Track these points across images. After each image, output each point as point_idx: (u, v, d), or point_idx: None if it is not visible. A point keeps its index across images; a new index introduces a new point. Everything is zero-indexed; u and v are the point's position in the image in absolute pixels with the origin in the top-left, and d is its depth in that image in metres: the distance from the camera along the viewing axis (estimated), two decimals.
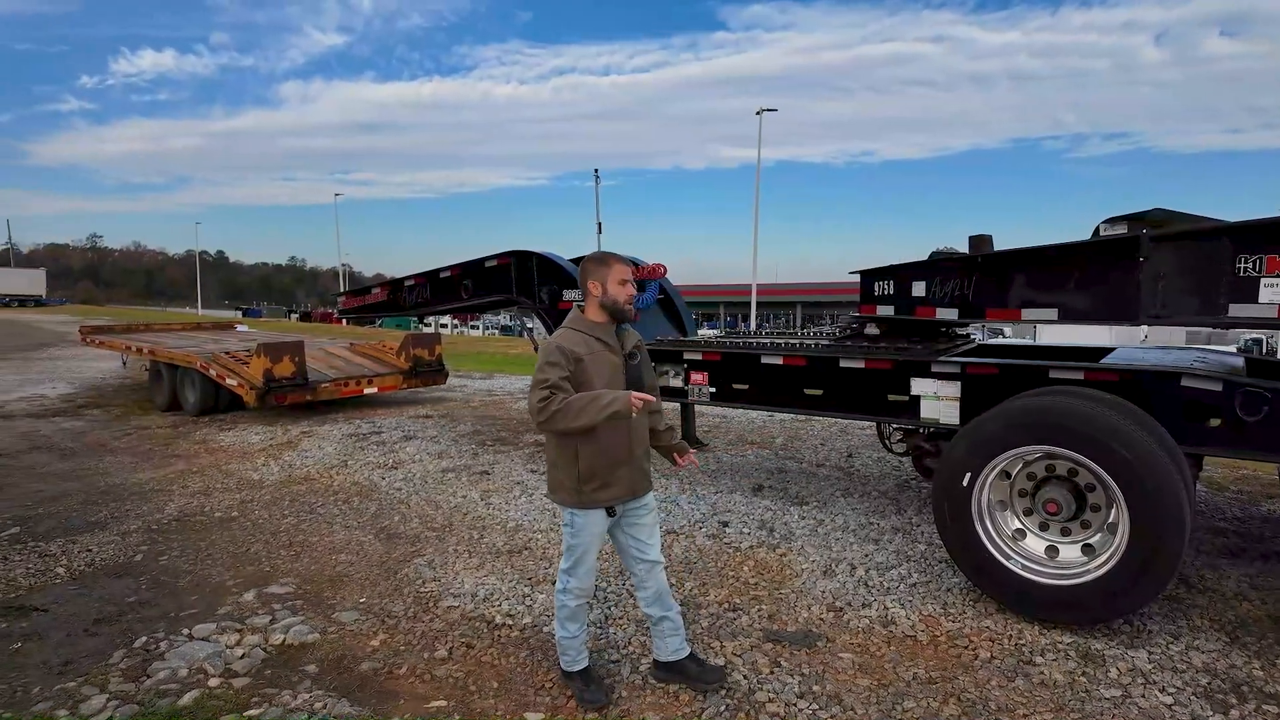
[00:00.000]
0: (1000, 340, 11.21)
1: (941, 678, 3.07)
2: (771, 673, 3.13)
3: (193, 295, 71.00)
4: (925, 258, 4.76)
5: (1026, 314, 4.05)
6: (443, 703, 2.99)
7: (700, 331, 8.60)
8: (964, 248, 4.91)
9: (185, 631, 3.57)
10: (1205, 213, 3.90)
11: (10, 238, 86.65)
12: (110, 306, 61.51)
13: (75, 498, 5.86)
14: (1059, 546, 3.56)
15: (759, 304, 34.45)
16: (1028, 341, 11.22)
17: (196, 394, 9.36)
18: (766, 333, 7.14)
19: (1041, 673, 3.08)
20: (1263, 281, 3.32)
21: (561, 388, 2.61)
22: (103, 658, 3.34)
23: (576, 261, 6.72)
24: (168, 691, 3.06)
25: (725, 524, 4.92)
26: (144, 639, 3.50)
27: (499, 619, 3.68)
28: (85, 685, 3.10)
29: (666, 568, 4.22)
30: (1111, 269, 3.75)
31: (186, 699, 3.00)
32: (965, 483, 3.62)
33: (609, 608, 3.77)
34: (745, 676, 3.10)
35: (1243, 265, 3.37)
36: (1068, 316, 3.94)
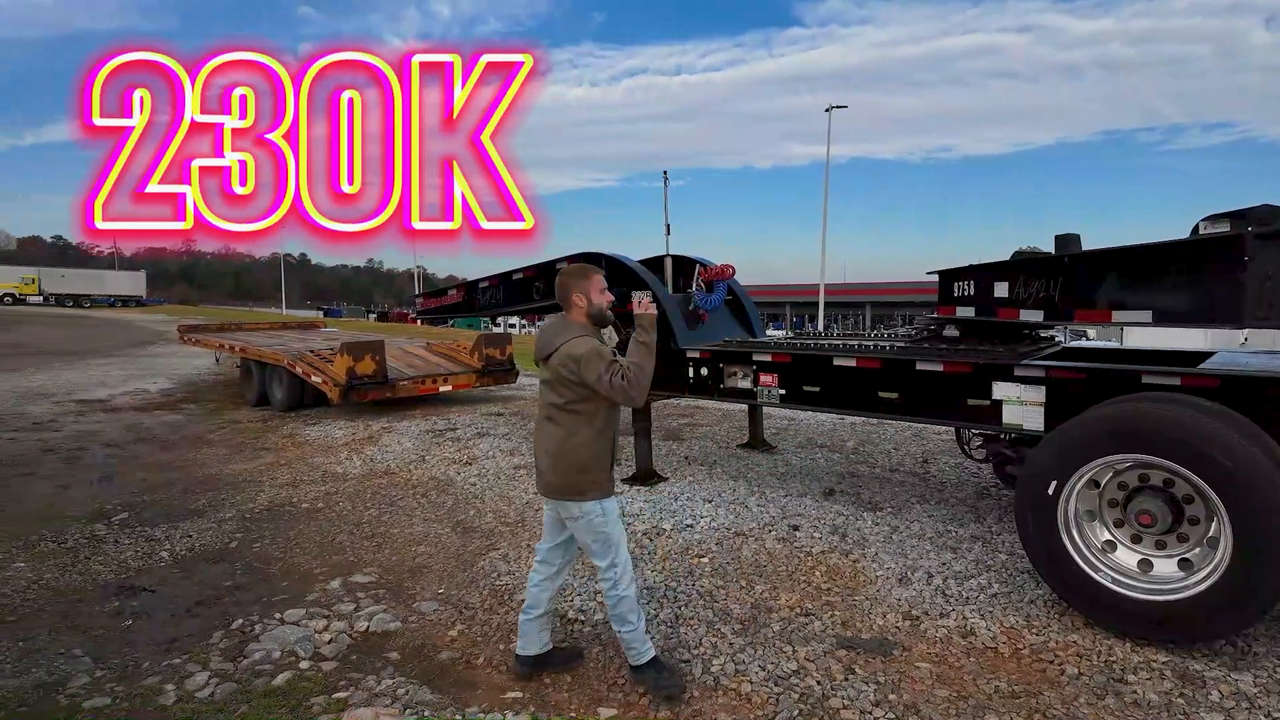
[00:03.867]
0: (1084, 343, 10.73)
1: (1025, 692, 2.97)
2: (845, 679, 3.09)
3: (277, 296, 74.45)
4: (1007, 258, 4.61)
5: (1118, 316, 3.87)
6: (518, 694, 3.07)
7: (766, 332, 8.52)
8: (1048, 247, 4.73)
9: (277, 616, 3.77)
10: None
11: (115, 242, 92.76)
12: (203, 306, 65.08)
13: (176, 487, 6.24)
14: (1153, 560, 3.39)
15: (826, 304, 33.87)
16: (1113, 344, 10.70)
17: (284, 390, 9.83)
18: (835, 334, 7.03)
19: (1134, 692, 2.94)
20: None
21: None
22: (204, 637, 3.56)
23: (645, 263, 6.76)
24: (262, 672, 3.24)
25: (795, 528, 4.87)
26: (240, 621, 3.71)
27: (571, 614, 3.75)
28: (189, 662, 3.31)
29: (735, 570, 4.24)
30: (1213, 269, 3.55)
31: (280, 680, 3.17)
32: (1050, 491, 3.49)
33: (679, 607, 3.79)
34: (819, 682, 3.07)
35: None
36: (1164, 319, 3.74)
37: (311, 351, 9.72)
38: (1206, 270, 3.58)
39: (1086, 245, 4.28)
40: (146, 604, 3.94)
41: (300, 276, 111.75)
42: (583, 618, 3.71)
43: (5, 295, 47.33)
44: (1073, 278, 3.98)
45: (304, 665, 3.30)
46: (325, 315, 50.49)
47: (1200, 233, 3.77)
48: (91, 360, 16.95)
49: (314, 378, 9.08)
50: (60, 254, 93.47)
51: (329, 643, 3.51)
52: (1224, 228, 3.67)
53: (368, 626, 3.66)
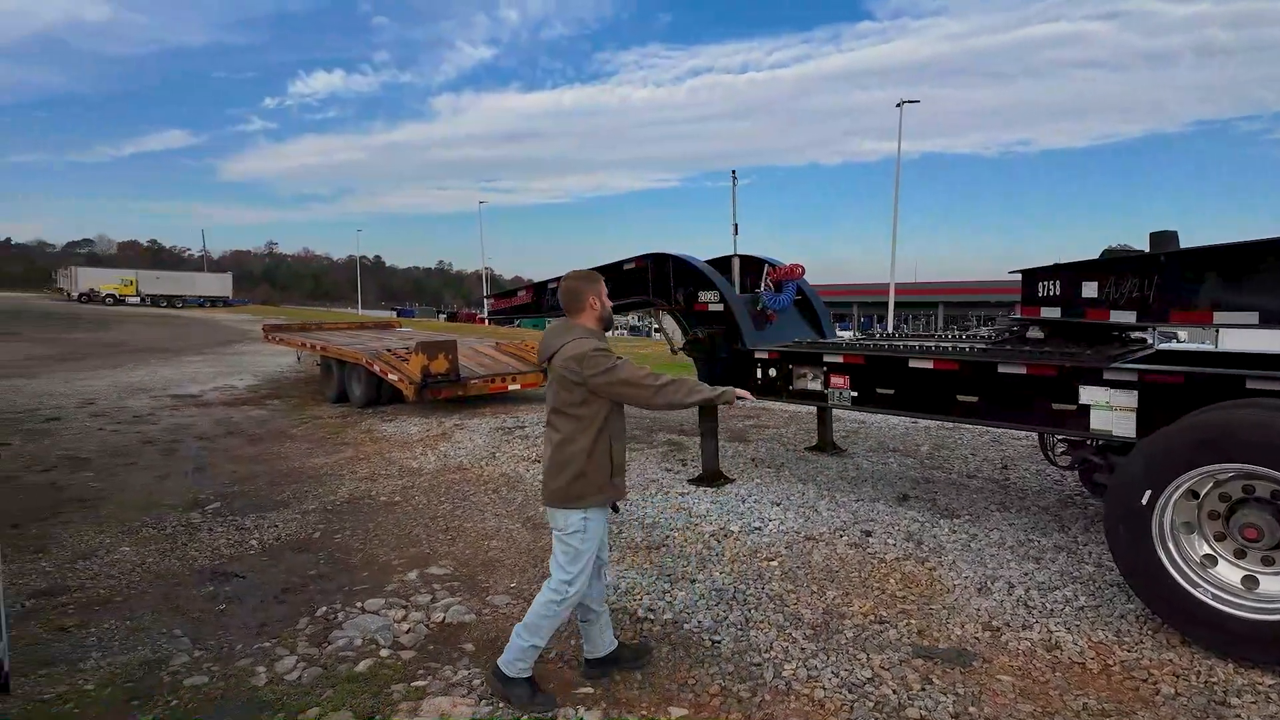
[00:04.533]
0: (1175, 346, 10.14)
1: (1116, 711, 2.84)
2: (923, 689, 3.01)
3: (353, 296, 77.27)
4: (1094, 257, 4.40)
5: (1219, 318, 3.65)
6: (590, 690, 3.10)
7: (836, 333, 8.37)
8: (1138, 245, 4.50)
9: (359, 605, 3.91)
10: None
11: (204, 246, 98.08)
12: (284, 306, 68.12)
13: (263, 479, 6.55)
14: (1259, 577, 3.18)
15: (896, 304, 33.03)
16: (1209, 347, 10.07)
17: (362, 388, 10.20)
18: (905, 335, 6.84)
19: (1238, 716, 2.77)
20: None
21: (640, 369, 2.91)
22: (291, 623, 3.72)
23: (712, 263, 6.74)
24: (345, 658, 3.36)
25: (868, 533, 4.77)
26: (324, 609, 3.87)
27: (641, 612, 3.76)
28: (278, 646, 3.47)
29: (806, 575, 4.18)
30: None
31: (362, 666, 3.29)
32: (1145, 501, 3.32)
33: (749, 610, 3.76)
34: (894, 691, 3.00)
35: None
36: (1271, 320, 3.51)
37: (388, 350, 10.06)
38: None
39: (1186, 243, 4.05)
40: (238, 589, 4.14)
41: (375, 278, 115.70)
42: (652, 616, 3.72)
43: (108, 296, 50.54)
44: (1170, 277, 3.77)
45: (384, 653, 3.41)
46: (398, 315, 52.15)
47: None
48: (183, 357, 17.95)
49: (390, 376, 9.39)
50: (154, 257, 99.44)
51: (407, 632, 3.62)
52: None
53: (443, 618, 3.76)
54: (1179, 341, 16.24)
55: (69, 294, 51.64)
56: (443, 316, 69.44)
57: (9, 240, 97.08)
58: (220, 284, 61.07)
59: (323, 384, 11.60)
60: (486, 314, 10.53)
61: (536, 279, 9.21)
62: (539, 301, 8.89)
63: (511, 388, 10.01)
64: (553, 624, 2.98)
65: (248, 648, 3.45)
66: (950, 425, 7.87)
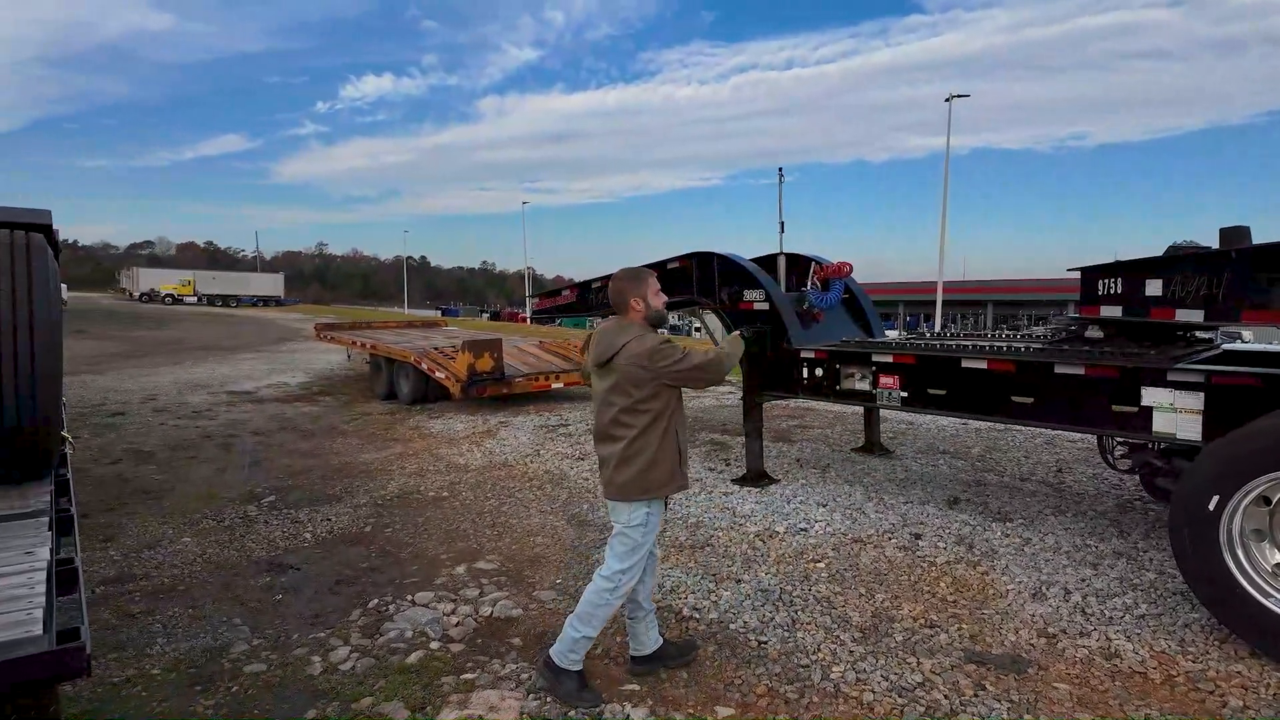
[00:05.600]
0: (1239, 346, 9.72)
1: None
2: (975, 695, 2.95)
3: (400, 296, 78.83)
4: (1158, 254, 4.25)
5: None
6: (636, 687, 3.10)
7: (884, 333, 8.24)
8: (1206, 241, 4.33)
9: (409, 598, 3.98)
10: None
11: (257, 247, 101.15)
12: (334, 306, 69.78)
13: (316, 473, 6.72)
14: None
15: (944, 303, 32.35)
16: (1276, 348, 9.63)
17: (410, 385, 10.40)
18: (954, 334, 6.70)
19: None
20: None
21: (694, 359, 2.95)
22: (344, 614, 3.81)
23: (758, 261, 6.69)
24: (397, 650, 3.43)
25: (918, 536, 4.69)
26: (375, 601, 3.95)
27: (686, 611, 3.76)
28: (332, 637, 3.56)
29: (854, 577, 4.13)
30: None
31: (412, 658, 3.35)
32: (1212, 507, 3.19)
33: (796, 612, 3.73)
34: (946, 696, 2.94)
35: None
36: None
37: (435, 349, 10.23)
38: None
39: (1257, 239, 3.89)
40: (294, 580, 4.26)
41: (421, 278, 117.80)
42: (697, 615, 3.72)
43: (167, 296, 52.47)
44: (1241, 274, 3.61)
45: (434, 646, 3.47)
46: (443, 314, 52.98)
47: None
48: (239, 355, 18.53)
49: (437, 373, 9.55)
50: (211, 258, 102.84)
51: (456, 625, 3.68)
52: None
53: (491, 612, 3.82)
54: (1244, 342, 15.57)
55: (131, 294, 53.80)
56: (486, 315, 70.39)
57: (75, 242, 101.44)
58: (273, 284, 62.89)
59: (372, 381, 11.85)
60: (530, 313, 10.63)
61: (578, 278, 9.28)
62: (584, 300, 8.96)
63: (555, 386, 10.10)
64: (605, 613, 2.99)
65: (303, 637, 3.54)
66: (1001, 427, 7.68)
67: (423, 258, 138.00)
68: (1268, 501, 3.19)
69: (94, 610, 3.75)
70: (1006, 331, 5.99)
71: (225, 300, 55.59)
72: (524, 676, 3.18)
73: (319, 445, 7.94)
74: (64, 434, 3.26)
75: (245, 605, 3.92)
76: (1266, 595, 3.10)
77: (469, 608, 3.86)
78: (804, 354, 5.68)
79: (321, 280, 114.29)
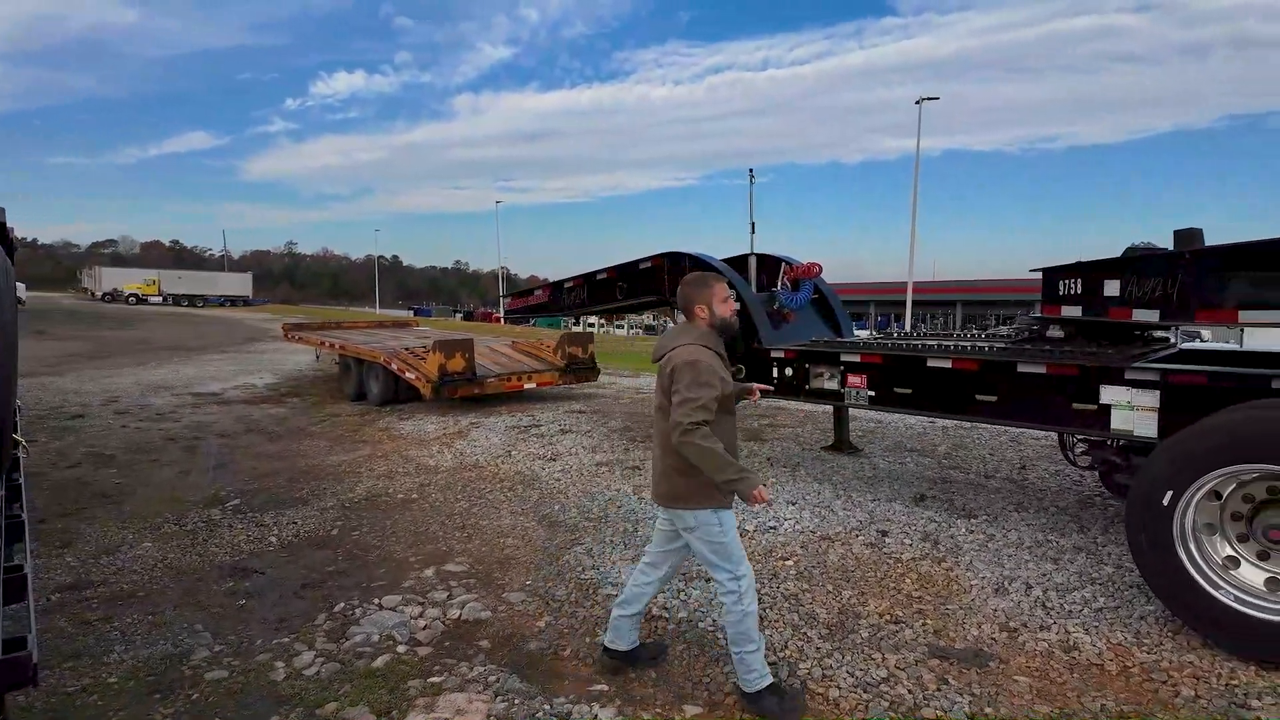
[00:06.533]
0: (1198, 345, 9.98)
1: (1135, 713, 2.81)
2: (939, 690, 3.00)
3: (372, 295, 77.88)
4: (1117, 255, 4.35)
5: (1245, 316, 3.58)
6: (604, 686, 3.11)
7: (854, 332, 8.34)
8: (1162, 242, 4.44)
9: (376, 601, 3.94)
10: None
11: (225, 246, 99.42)
12: (303, 306, 68.73)
13: (282, 476, 6.62)
14: None
15: (914, 303, 32.78)
16: (1233, 346, 9.91)
17: (380, 386, 10.28)
18: (923, 334, 6.80)
19: (1259, 718, 2.74)
20: None
21: (710, 409, 2.74)
22: (309, 618, 3.76)
23: (729, 262, 6.73)
24: (363, 654, 3.40)
25: (885, 533, 4.74)
26: (342, 605, 3.90)
27: (655, 611, 3.77)
28: (297, 641, 3.51)
29: (821, 574, 4.17)
30: None
31: (379, 662, 3.32)
32: (1166, 502, 3.28)
33: (764, 609, 3.75)
34: (910, 691, 2.99)
35: None
36: None
37: (406, 349, 10.13)
38: None
39: (1210, 239, 4.00)
40: (258, 585, 4.19)
41: (392, 277, 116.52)
42: (666, 614, 3.73)
43: (130, 295, 51.27)
44: (1195, 275, 3.71)
45: (401, 649, 3.44)
46: (415, 314, 52.50)
47: None
48: (205, 356, 18.18)
49: (408, 374, 9.46)
50: (177, 257, 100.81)
51: (424, 629, 3.65)
52: None
53: (460, 614, 3.79)
54: (1202, 341, 15.99)
55: (93, 293, 52.48)
56: (459, 315, 69.89)
57: (35, 240, 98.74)
58: (241, 283, 61.78)
59: (341, 382, 11.70)
60: (503, 313, 10.57)
61: (553, 278, 9.26)
62: (556, 300, 8.93)
63: (527, 386, 10.05)
64: (749, 623, 2.85)
65: (267, 643, 3.49)
66: (968, 425, 7.80)
67: (395, 257, 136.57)
68: (1219, 496, 3.29)
69: (49, 618, 3.66)
70: (974, 331, 6.09)
71: (191, 300, 54.46)
72: (492, 679, 3.17)
73: (286, 447, 7.82)
74: (16, 437, 3.18)
75: (207, 611, 3.85)
76: (1217, 587, 3.19)
77: (437, 611, 3.83)
78: (774, 354, 5.72)
79: (291, 280, 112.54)
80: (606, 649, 3.21)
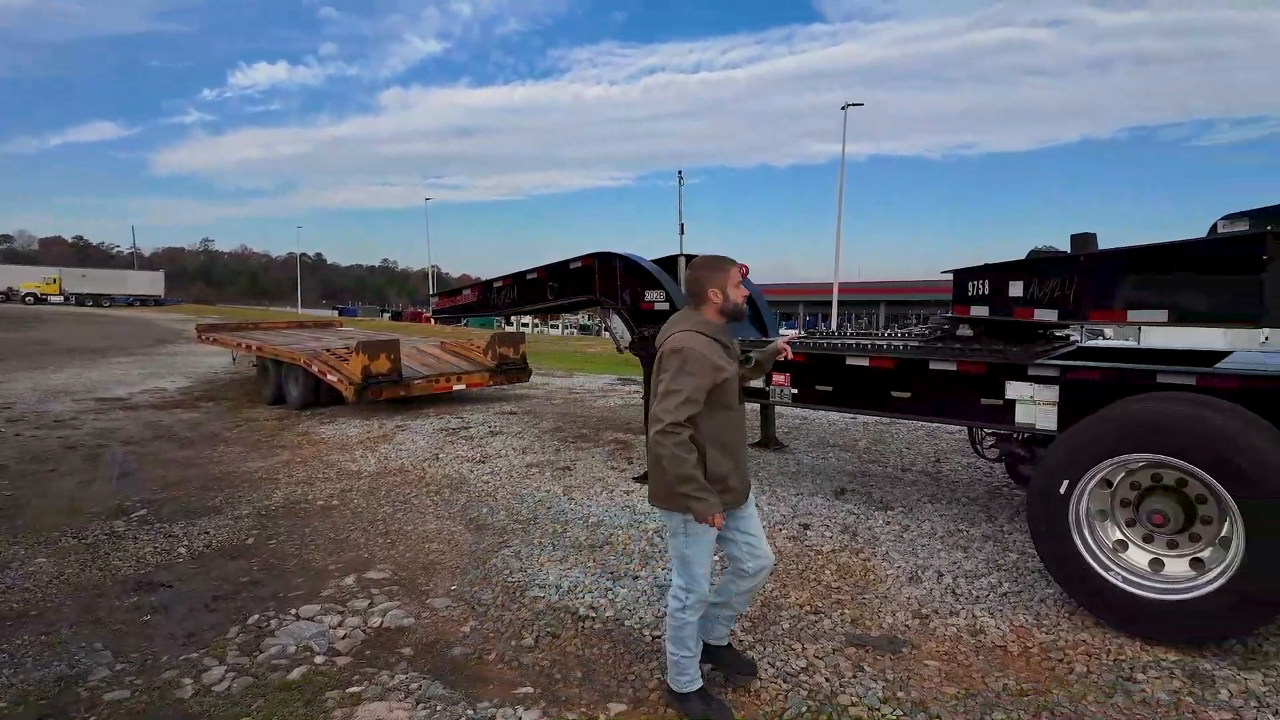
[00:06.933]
0: (1101, 342, 10.60)
1: (1033, 690, 2.97)
2: (854, 676, 3.10)
3: (293, 295, 75.13)
4: (1023, 257, 4.58)
5: (1133, 315, 3.85)
6: (529, 689, 3.09)
7: (780, 332, 8.52)
8: (1067, 246, 4.70)
9: (293, 611, 3.82)
10: None
11: (134, 242, 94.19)
12: (220, 306, 65.79)
13: (194, 484, 6.33)
14: (1165, 560, 3.37)
15: (840, 303, 33.73)
16: (1131, 344, 10.59)
17: (300, 389, 9.93)
18: (848, 333, 7.01)
19: (1143, 690, 2.94)
20: None
21: (696, 401, 2.58)
22: (221, 632, 3.61)
23: (659, 262, 6.78)
24: (278, 666, 3.28)
25: (806, 527, 4.87)
26: (256, 616, 3.76)
27: (583, 610, 3.77)
28: (206, 656, 3.37)
29: None
30: (1231, 269, 3.51)
31: (295, 674, 3.21)
32: (1063, 491, 3.48)
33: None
34: (827, 679, 3.08)
35: None
36: (1180, 319, 3.71)
37: (327, 350, 9.82)
38: (1224, 270, 3.55)
39: (1106, 244, 4.25)
40: (165, 599, 4.00)
41: (316, 276, 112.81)
42: (594, 613, 3.74)
43: (28, 295, 48.05)
44: (1088, 277, 3.95)
45: (319, 660, 3.34)
46: (340, 314, 50.91)
47: (1218, 232, 3.74)
48: (111, 358, 17.19)
49: (330, 376, 9.17)
50: (81, 254, 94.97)
51: (343, 638, 3.55)
52: (1243, 227, 3.64)
53: (381, 622, 3.71)
54: (1105, 339, 16.99)
55: None
56: (387, 315, 68.17)
57: None
58: (151, 282, 58.64)
59: (259, 385, 11.26)
60: (432, 313, 10.38)
61: (485, 277, 9.12)
62: (485, 300, 8.82)
63: (456, 388, 9.88)
64: (690, 630, 2.80)
65: (174, 659, 3.34)
66: (887, 420, 8.07)
67: (318, 255, 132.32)
68: (1109, 484, 3.51)
69: None
70: (895, 330, 6.31)
71: (97, 300, 51.37)
72: (414, 686, 3.11)
73: (198, 454, 7.48)
74: None
75: (108, 628, 3.65)
76: (1108, 570, 3.41)
77: (357, 619, 3.74)
78: None
79: (206, 278, 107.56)
80: (704, 645, 3.02)
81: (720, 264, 2.80)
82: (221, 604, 3.94)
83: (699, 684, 2.87)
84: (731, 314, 2.80)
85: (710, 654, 3.07)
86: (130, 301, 53.18)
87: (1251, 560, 3.01)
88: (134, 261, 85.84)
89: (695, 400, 2.57)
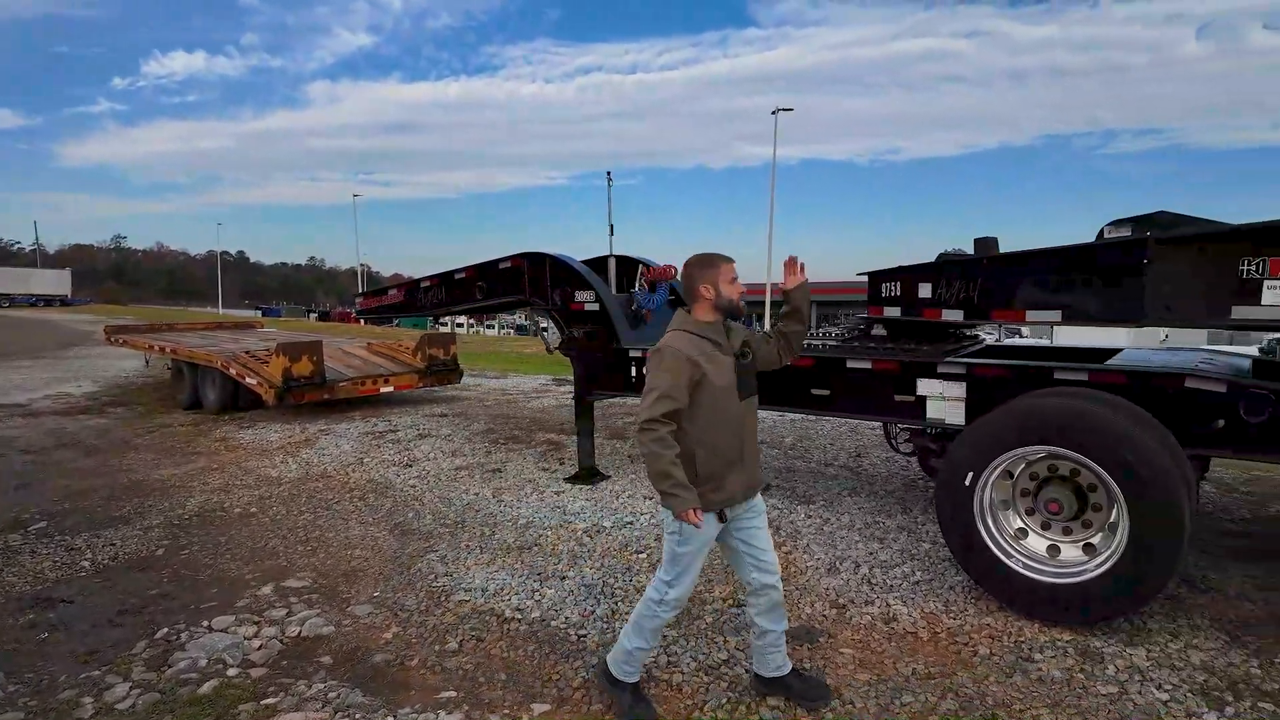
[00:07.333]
0: (1016, 341, 11.13)
1: (940, 673, 3.12)
2: None
3: (214, 295, 71.93)
4: (933, 259, 4.79)
5: (1031, 315, 4.08)
6: (452, 693, 3.07)
7: None
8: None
9: (205, 623, 3.69)
10: (1238, 212, 3.90)
11: (37, 239, 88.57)
12: (133, 306, 62.44)
13: (100, 494, 6.02)
14: (1060, 546, 3.59)
15: (773, 304, 34.42)
16: (1043, 343, 11.18)
17: (217, 392, 9.55)
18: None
19: (1040, 669, 3.12)
20: (1266, 284, 3.32)
21: (673, 397, 2.60)
22: (126, 647, 3.46)
23: (589, 263, 6.79)
24: (188, 681, 3.17)
25: None
26: (165, 630, 3.62)
27: (508, 613, 3.76)
28: (109, 674, 3.22)
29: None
30: (1116, 271, 3.76)
31: (206, 688, 3.11)
32: (967, 482, 3.66)
33: (616, 603, 3.84)
34: (748, 670, 3.16)
35: (1246, 268, 3.38)
36: (1072, 317, 3.95)
37: (246, 352, 9.47)
38: (1110, 272, 3.79)
39: (1023, 245, 4.49)
40: (65, 615, 3.81)
41: (238, 275, 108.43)
42: (520, 615, 3.73)
43: None
44: (990, 279, 4.17)
45: (232, 673, 3.24)
46: (264, 315, 49.08)
47: (1105, 237, 3.99)
48: (11, 362, 16.15)
49: (248, 379, 8.85)
50: None
51: (259, 649, 3.45)
52: (1126, 232, 3.89)
53: (300, 631, 3.62)
54: (1022, 337, 17.83)
55: None
56: (314, 316, 65.98)
57: None
58: (57, 281, 55.38)
59: (174, 390, 10.78)
60: (357, 313, 10.11)
61: (418, 276, 8.92)
62: (412, 300, 8.64)
63: (384, 390, 9.67)
64: (653, 625, 2.82)
65: (73, 678, 3.18)
66: (812, 417, 8.28)
67: (240, 253, 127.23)
68: (1011, 475, 3.71)
69: None
70: (827, 329, 6.48)
71: None
72: (332, 695, 3.05)
73: (105, 462, 7.11)
74: None
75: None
76: (1009, 556, 3.60)
77: (274, 629, 3.64)
78: (632, 353, 5.84)
79: (119, 277, 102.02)
80: (756, 675, 3.02)
81: (711, 261, 2.80)
82: (127, 618, 3.78)
83: (636, 678, 2.92)
84: (726, 309, 2.78)
85: (776, 686, 2.95)
86: (33, 302, 50.08)
87: (1134, 544, 3.24)
88: (36, 259, 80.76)
89: (671, 397, 2.59)
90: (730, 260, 2.82)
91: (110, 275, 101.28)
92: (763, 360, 2.98)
